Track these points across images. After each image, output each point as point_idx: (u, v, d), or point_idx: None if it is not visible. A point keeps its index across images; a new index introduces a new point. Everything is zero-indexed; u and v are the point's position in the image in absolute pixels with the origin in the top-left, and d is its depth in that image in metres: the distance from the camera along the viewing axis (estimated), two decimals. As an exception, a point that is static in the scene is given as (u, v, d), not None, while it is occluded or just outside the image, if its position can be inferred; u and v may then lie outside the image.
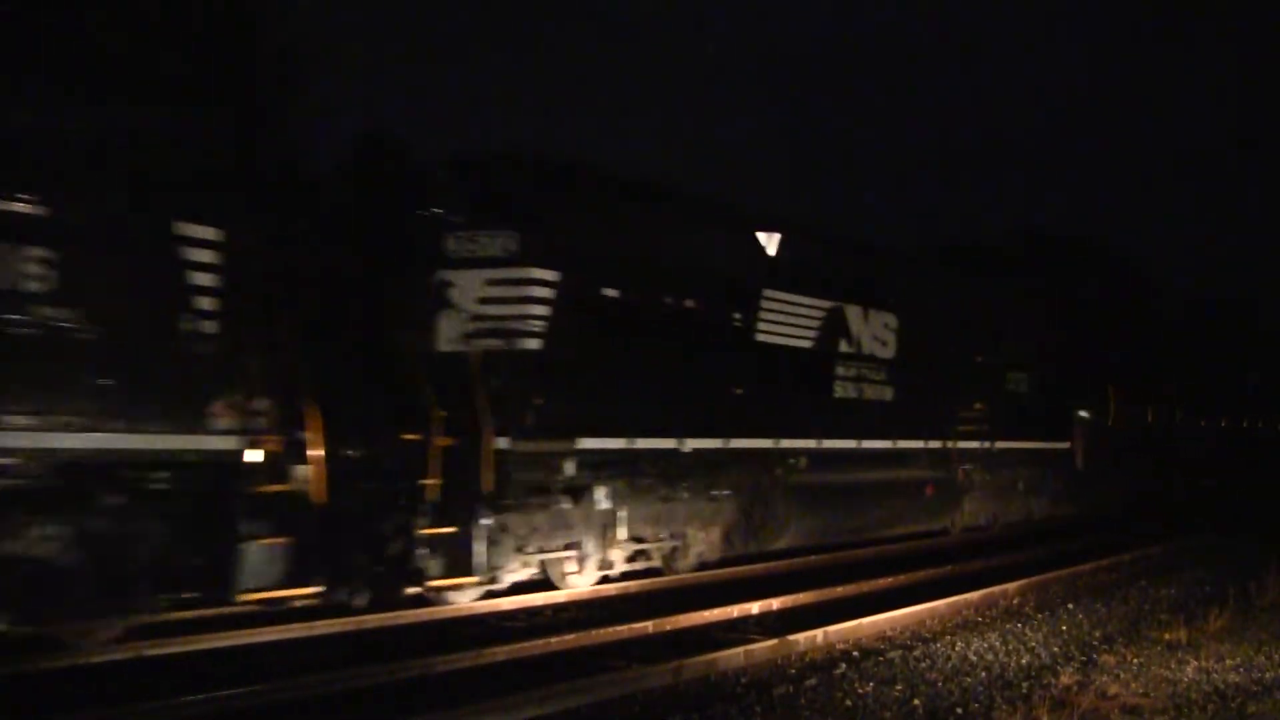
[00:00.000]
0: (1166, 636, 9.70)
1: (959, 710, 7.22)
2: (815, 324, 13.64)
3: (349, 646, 8.63)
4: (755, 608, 10.67)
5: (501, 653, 8.38)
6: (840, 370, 14.08)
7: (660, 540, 11.83)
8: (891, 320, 15.04)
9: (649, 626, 9.55)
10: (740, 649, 8.57)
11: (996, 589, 12.07)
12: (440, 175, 10.64)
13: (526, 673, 7.87)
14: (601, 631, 9.22)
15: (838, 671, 8.10)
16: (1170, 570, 14.68)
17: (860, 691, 7.56)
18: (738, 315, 12.52)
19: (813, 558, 14.40)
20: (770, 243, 13.03)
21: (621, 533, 11.16)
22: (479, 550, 9.44)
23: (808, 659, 8.75)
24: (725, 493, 12.38)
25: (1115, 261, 24.95)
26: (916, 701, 7.36)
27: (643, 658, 8.31)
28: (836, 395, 14.01)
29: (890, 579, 12.86)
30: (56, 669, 7.55)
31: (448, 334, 10.07)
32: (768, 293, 12.87)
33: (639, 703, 7.29)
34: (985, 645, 9.26)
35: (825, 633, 9.33)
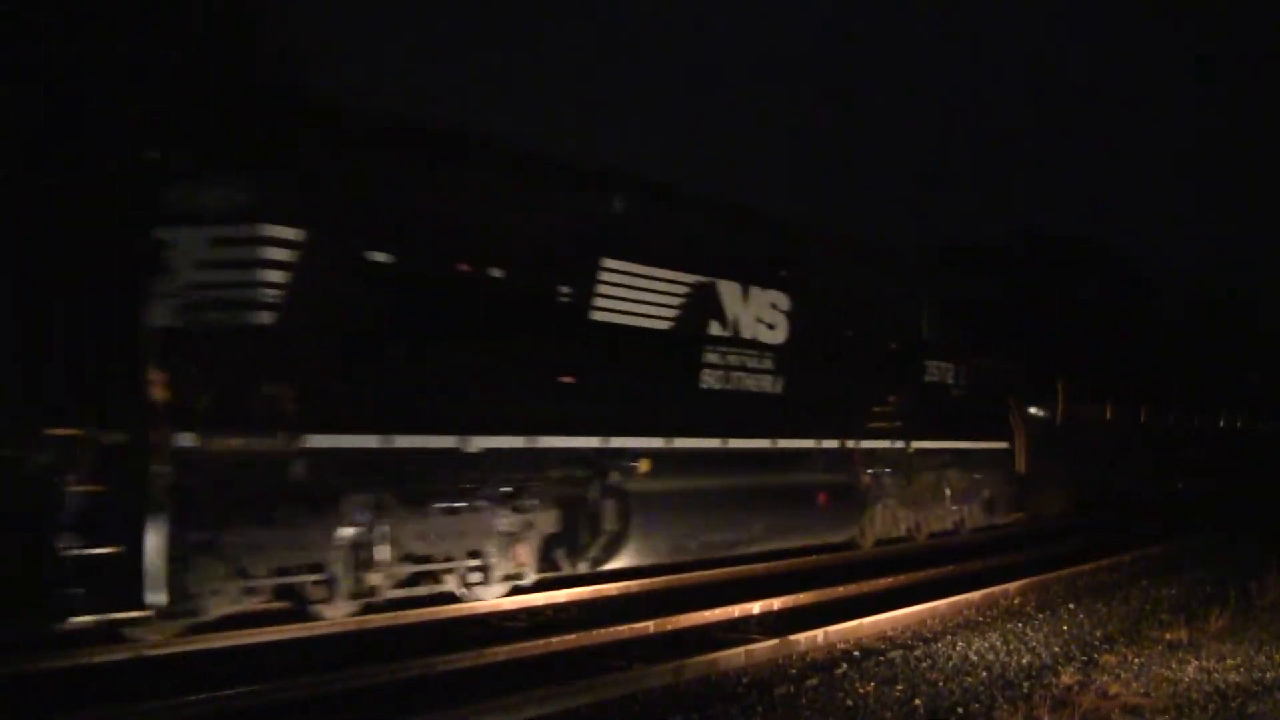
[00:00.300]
0: (1167, 636, 9.69)
1: (960, 710, 7.22)
2: (676, 301, 11.64)
3: (349, 646, 8.63)
4: (756, 607, 10.66)
5: (502, 652, 8.38)
6: (709, 357, 12.06)
7: (450, 561, 9.89)
8: (781, 300, 13.04)
9: (650, 626, 9.55)
10: (741, 649, 8.56)
11: (997, 589, 12.06)
12: (161, 111, 8.72)
13: (527, 672, 7.87)
14: (602, 631, 9.22)
15: (839, 671, 8.10)
16: (1171, 570, 14.67)
17: (861, 691, 7.56)
18: (565, 288, 10.49)
19: (812, 558, 14.38)
20: (613, 203, 11.14)
21: (383, 553, 9.22)
22: (155, 575, 7.59)
23: (809, 659, 8.75)
24: (535, 502, 10.45)
25: (1078, 251, 24.39)
26: (917, 701, 7.36)
27: (644, 657, 8.31)
28: (703, 386, 12.03)
29: (891, 579, 12.84)
30: (57, 669, 7.55)
31: (161, 305, 8.20)
32: (609, 263, 10.89)
33: (640, 703, 7.29)
34: (986, 645, 9.26)
35: (826, 632, 9.33)
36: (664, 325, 11.53)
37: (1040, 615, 10.74)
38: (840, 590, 11.93)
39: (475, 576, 10.12)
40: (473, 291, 9.68)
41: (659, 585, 11.97)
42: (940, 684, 7.88)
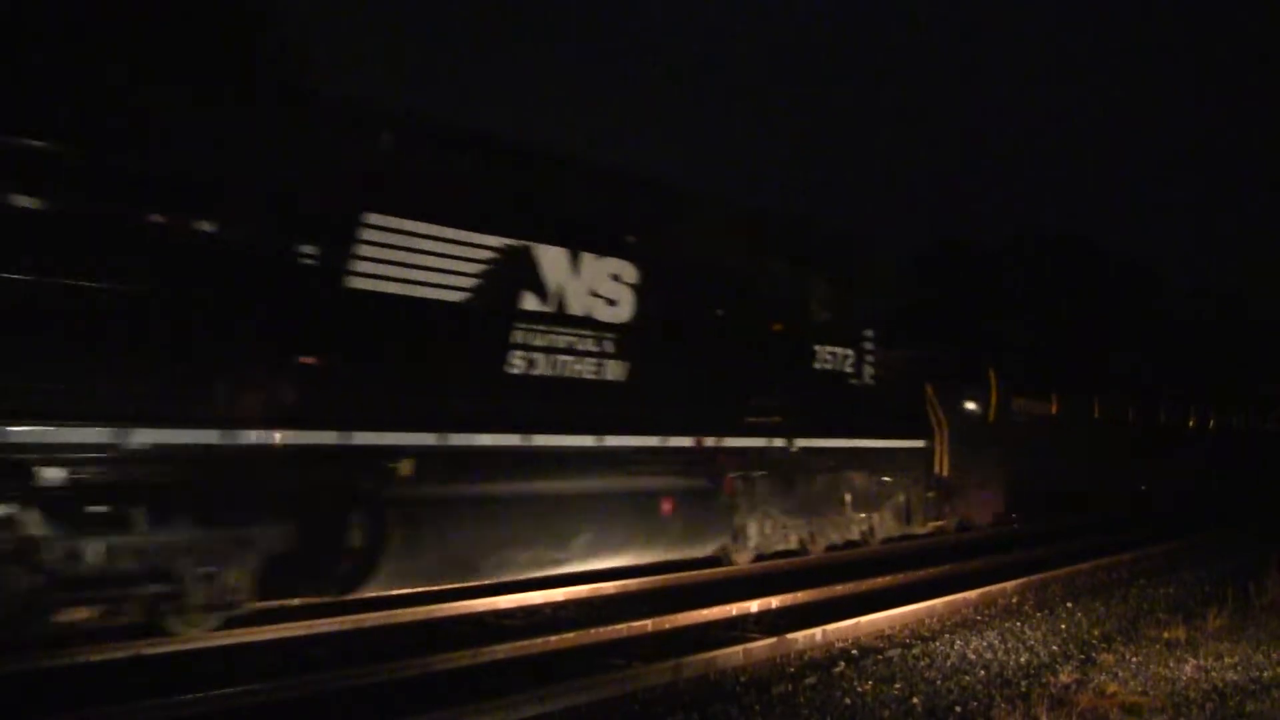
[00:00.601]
0: (1165, 635, 9.70)
1: (958, 709, 7.23)
2: (475, 269, 9.58)
3: (348, 645, 8.63)
4: (754, 606, 10.67)
5: (500, 651, 8.37)
6: (520, 336, 9.92)
7: (128, 586, 7.77)
8: (627, 270, 10.95)
9: (648, 625, 9.55)
10: (739, 647, 8.57)
11: (995, 588, 12.09)
12: None
13: (525, 671, 7.88)
14: (600, 630, 9.22)
15: (836, 670, 8.11)
16: (1169, 569, 14.69)
17: (859, 690, 7.56)
18: (309, 249, 8.49)
19: (812, 557, 14.36)
20: (382, 143, 9.13)
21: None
22: None
23: (806, 657, 8.76)
24: (247, 513, 8.36)
25: (1025, 227, 22.94)
26: (915, 700, 7.37)
27: (642, 656, 8.31)
28: (511, 372, 9.86)
29: (889, 578, 12.85)
30: (55, 667, 7.54)
31: None
32: (375, 219, 8.85)
33: (638, 701, 7.29)
34: (984, 644, 9.27)
35: (824, 631, 9.34)
36: (456, 297, 9.47)
37: (1038, 614, 10.75)
38: (838, 589, 11.93)
39: (168, 605, 8.09)
40: (157, 248, 7.69)
41: (657, 584, 11.97)
42: (938, 682, 7.88)
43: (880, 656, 8.65)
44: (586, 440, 10.50)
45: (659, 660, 8.01)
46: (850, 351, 14.00)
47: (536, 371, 10.08)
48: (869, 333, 14.36)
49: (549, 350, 10.19)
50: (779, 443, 12.75)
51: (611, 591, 11.41)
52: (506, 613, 10.23)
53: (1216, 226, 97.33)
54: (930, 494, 15.73)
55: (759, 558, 13.48)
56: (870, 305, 14.63)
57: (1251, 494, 28.00)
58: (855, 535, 14.79)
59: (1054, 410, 20.98)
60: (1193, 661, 8.62)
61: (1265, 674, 8.26)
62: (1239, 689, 7.80)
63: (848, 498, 14.29)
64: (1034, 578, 12.96)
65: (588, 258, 10.59)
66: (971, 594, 11.56)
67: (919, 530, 15.84)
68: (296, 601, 9.18)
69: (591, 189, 11.20)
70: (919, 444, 15.40)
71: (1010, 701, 7.30)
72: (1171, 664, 8.56)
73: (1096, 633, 10.06)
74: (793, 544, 13.90)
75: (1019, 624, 10.23)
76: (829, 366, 13.72)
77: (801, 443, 13.00)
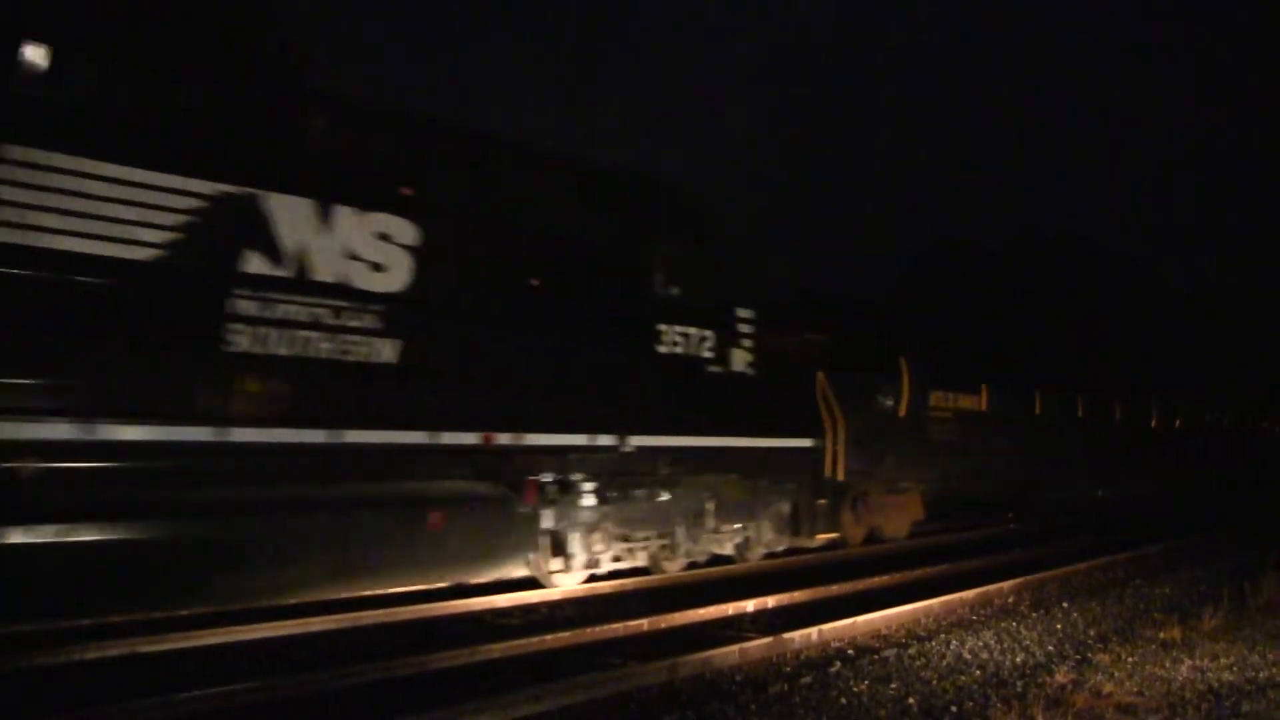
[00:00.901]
0: (1161, 635, 9.71)
1: (954, 708, 7.23)
2: (174, 220, 7.84)
3: (344, 643, 8.64)
4: (750, 606, 10.67)
5: (496, 650, 8.38)
6: (239, 306, 8.12)
7: None
8: (401, 229, 9.16)
9: (644, 624, 9.56)
10: (735, 647, 8.57)
11: (992, 588, 12.09)
12: None
13: (521, 670, 7.88)
14: (597, 629, 9.23)
15: (833, 669, 8.11)
16: (1166, 570, 14.70)
17: (855, 689, 7.57)
18: None
19: (811, 555, 14.36)
20: (22, 59, 7.36)
21: None
22: None
23: (803, 657, 8.77)
24: None
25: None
26: (911, 700, 7.38)
27: (638, 655, 8.32)
28: (231, 349, 8.06)
29: (885, 577, 12.85)
30: (54, 665, 7.55)
31: None
32: (17, 153, 7.21)
33: (635, 700, 7.30)
34: (980, 644, 9.28)
35: (820, 631, 9.35)
36: (142, 255, 7.71)
37: (1034, 614, 10.76)
38: (834, 589, 11.93)
39: None
40: None
41: (654, 583, 11.97)
42: (934, 682, 7.89)
43: (876, 656, 8.66)
44: (314, 436, 8.54)
45: (655, 659, 8.01)
46: (710, 333, 11.94)
47: (260, 349, 8.25)
48: (744, 313, 12.38)
49: (282, 324, 8.38)
50: (606, 440, 10.79)
51: (608, 590, 11.42)
52: (503, 611, 10.24)
53: (1216, 226, 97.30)
54: (822, 501, 13.75)
55: (593, 578, 11.37)
56: (748, 282, 12.71)
57: (1250, 495, 27.93)
58: (727, 550, 12.94)
59: (984, 405, 18.72)
60: (1188, 662, 8.63)
61: (1261, 674, 8.28)
62: (1235, 689, 7.81)
63: (710, 506, 12.33)
64: (1030, 578, 12.96)
65: (344, 212, 8.85)
66: (968, 594, 11.57)
67: (808, 543, 13.85)
68: (294, 600, 8.99)
69: (350, 130, 9.28)
70: (805, 443, 13.41)
71: (1006, 701, 7.31)
72: (1167, 664, 8.57)
73: (1093, 633, 10.07)
74: (640, 561, 11.84)
75: (1015, 624, 10.24)
76: (680, 350, 11.63)
77: (638, 440, 11.04)
